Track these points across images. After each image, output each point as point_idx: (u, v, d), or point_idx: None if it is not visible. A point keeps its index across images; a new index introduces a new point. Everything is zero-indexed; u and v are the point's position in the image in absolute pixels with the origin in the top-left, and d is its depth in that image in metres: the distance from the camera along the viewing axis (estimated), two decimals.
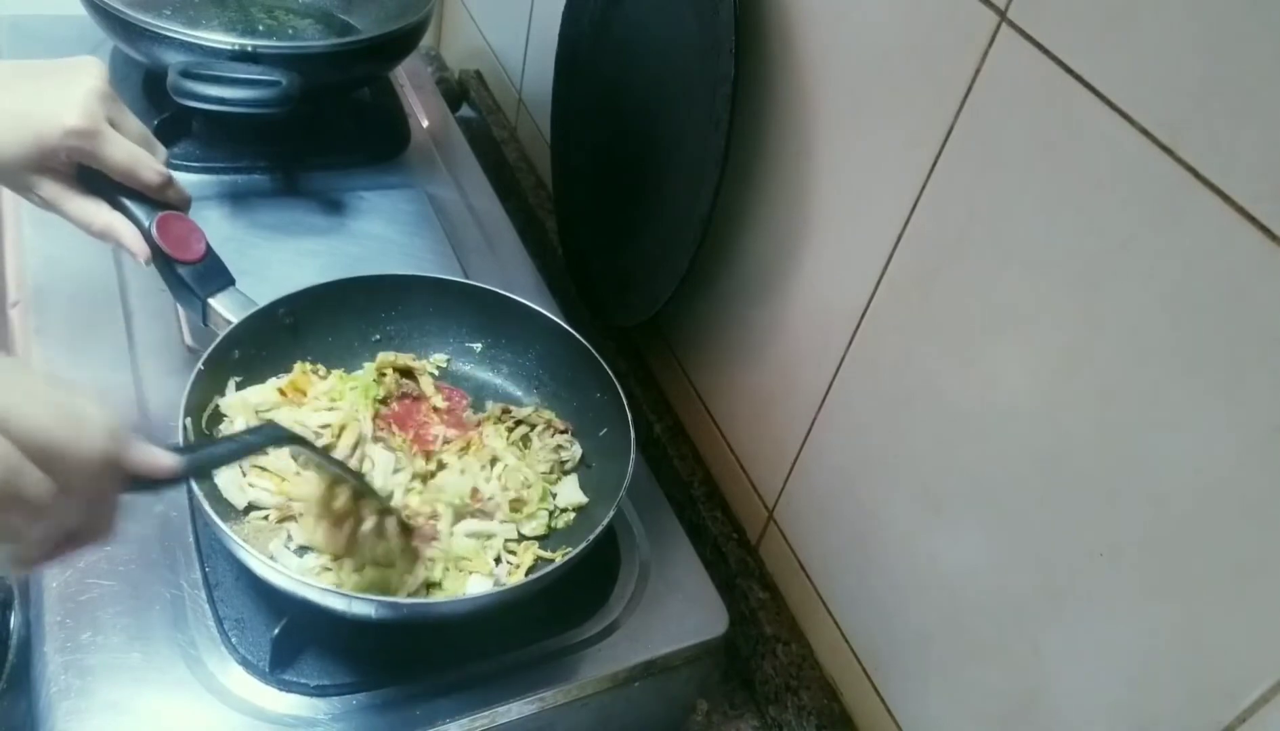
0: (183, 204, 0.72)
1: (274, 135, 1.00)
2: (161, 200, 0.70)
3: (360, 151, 1.06)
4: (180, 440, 0.64)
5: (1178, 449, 0.50)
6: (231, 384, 0.72)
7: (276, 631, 0.62)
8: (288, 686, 0.63)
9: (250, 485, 0.67)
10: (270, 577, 0.59)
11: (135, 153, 0.67)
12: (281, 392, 0.74)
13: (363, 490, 0.63)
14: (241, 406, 0.71)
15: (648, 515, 0.79)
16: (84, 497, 0.45)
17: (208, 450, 0.57)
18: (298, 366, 0.76)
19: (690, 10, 0.77)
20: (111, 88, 0.66)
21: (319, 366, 0.77)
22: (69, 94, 0.64)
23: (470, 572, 0.68)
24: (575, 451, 0.77)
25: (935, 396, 0.65)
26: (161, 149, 0.71)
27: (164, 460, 0.50)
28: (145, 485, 0.50)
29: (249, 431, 0.62)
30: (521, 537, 0.72)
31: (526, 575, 0.68)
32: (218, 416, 0.71)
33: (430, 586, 0.66)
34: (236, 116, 0.85)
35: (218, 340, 0.69)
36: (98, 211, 0.68)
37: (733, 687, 0.85)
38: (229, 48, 0.86)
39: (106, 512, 0.47)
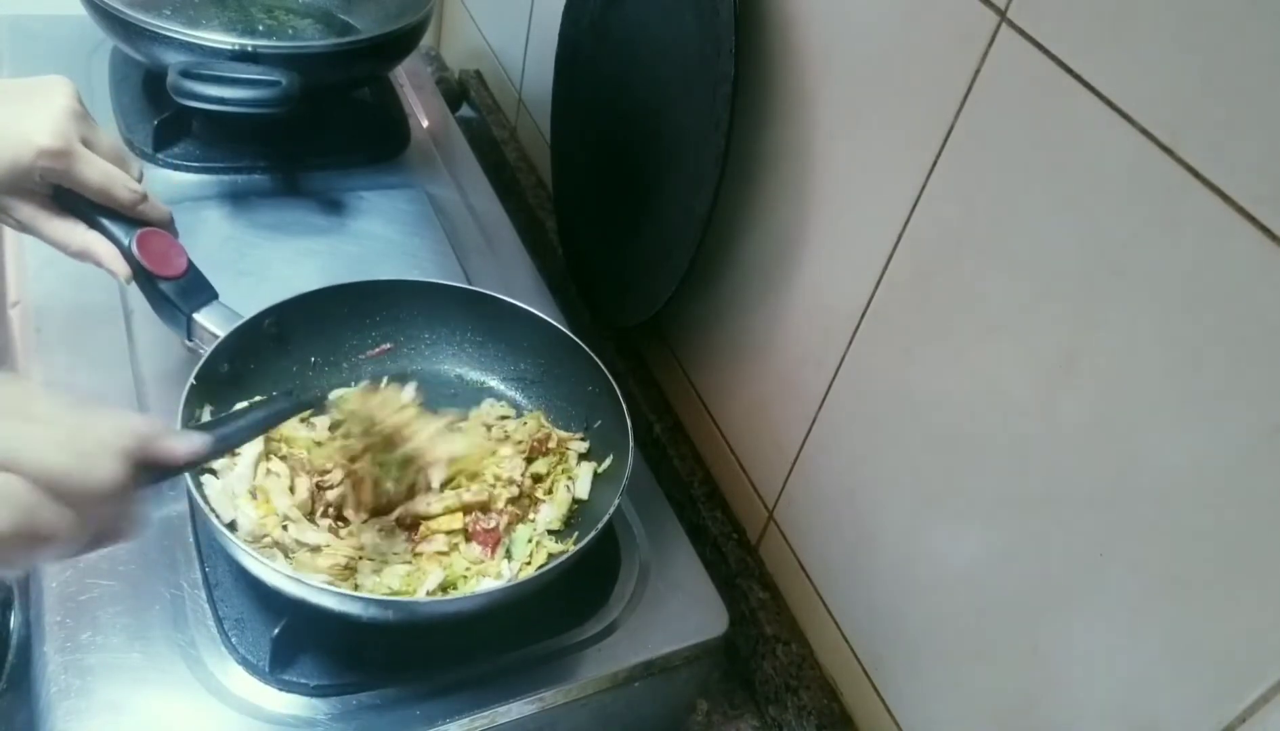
0: (161, 220, 0.71)
1: (274, 135, 1.00)
2: (138, 218, 0.69)
3: (360, 151, 1.06)
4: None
5: (1178, 449, 0.50)
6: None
7: (276, 631, 0.62)
8: (287, 686, 0.63)
9: (235, 507, 0.67)
10: (269, 578, 0.59)
11: (110, 172, 0.67)
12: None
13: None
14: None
15: (648, 515, 0.79)
16: (103, 514, 0.45)
17: (235, 425, 0.57)
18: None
19: (690, 10, 0.77)
20: (83, 106, 0.66)
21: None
22: (40, 115, 0.63)
23: (482, 575, 0.68)
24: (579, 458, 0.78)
25: (935, 396, 0.65)
26: (137, 165, 0.70)
27: (194, 442, 0.50)
28: (174, 470, 0.50)
29: (267, 400, 0.62)
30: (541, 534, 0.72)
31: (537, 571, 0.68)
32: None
33: (446, 588, 0.66)
34: (236, 116, 0.85)
35: (207, 354, 0.69)
36: (75, 232, 0.68)
37: (733, 687, 0.85)
38: (229, 48, 0.86)
39: (129, 515, 0.47)
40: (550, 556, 0.69)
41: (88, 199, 0.67)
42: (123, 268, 0.69)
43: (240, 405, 0.71)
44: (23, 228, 0.68)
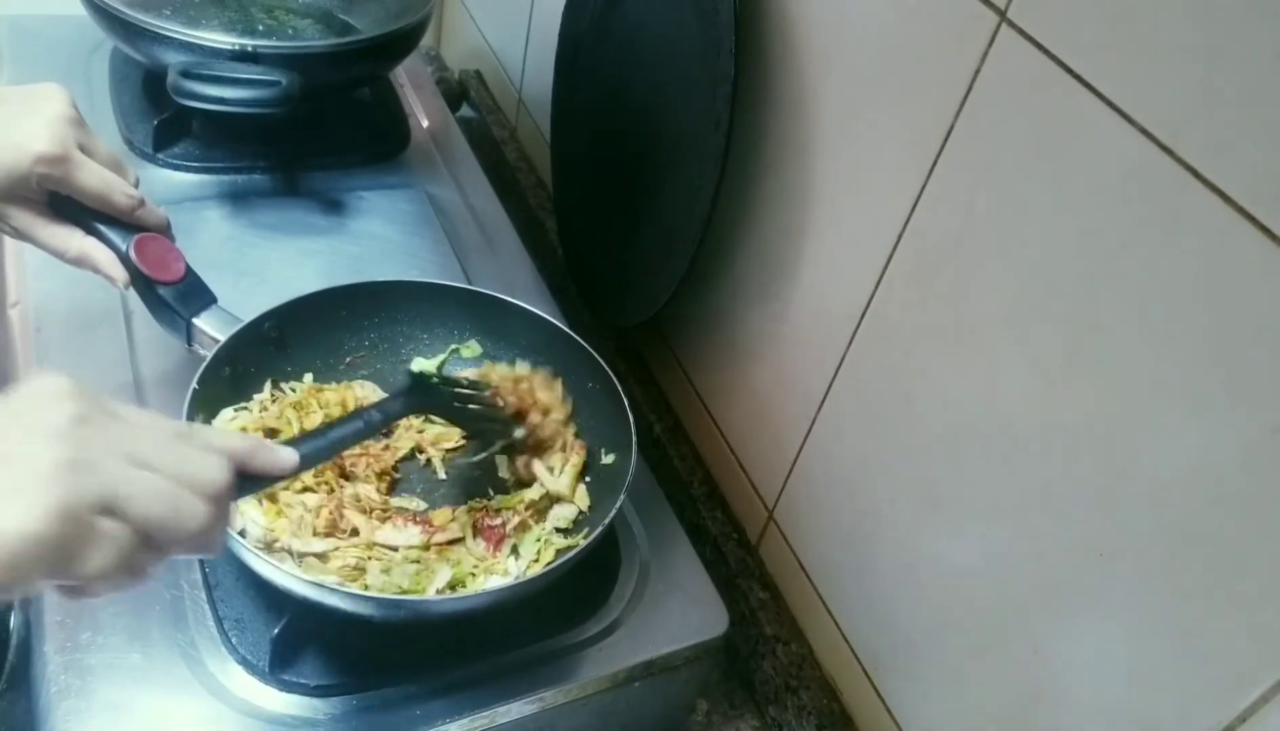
0: (158, 225, 0.71)
1: (274, 135, 1.00)
2: (135, 223, 0.69)
3: (360, 151, 1.06)
4: None
5: (1178, 449, 0.50)
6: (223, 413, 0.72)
7: (276, 631, 0.62)
8: (287, 686, 0.63)
9: (240, 513, 0.67)
10: (271, 576, 0.59)
11: (107, 178, 0.67)
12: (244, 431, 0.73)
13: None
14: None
15: (648, 515, 0.79)
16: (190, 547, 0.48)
17: (320, 441, 0.58)
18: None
19: (690, 10, 0.77)
20: (78, 112, 0.66)
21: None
22: (36, 121, 0.63)
23: (489, 573, 0.68)
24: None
25: (935, 396, 0.65)
26: (132, 171, 0.70)
27: (288, 458, 0.53)
28: (267, 484, 0.53)
29: (346, 418, 0.62)
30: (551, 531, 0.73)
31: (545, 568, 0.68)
32: None
33: (454, 585, 0.66)
34: (236, 116, 0.85)
35: (208, 359, 0.69)
36: (72, 238, 0.68)
37: (733, 687, 0.85)
38: (229, 48, 0.86)
39: (216, 538, 0.49)
40: (558, 553, 0.70)
41: (85, 205, 0.67)
42: (120, 273, 0.69)
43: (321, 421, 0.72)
44: (19, 235, 0.67)
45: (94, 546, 0.43)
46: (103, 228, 0.68)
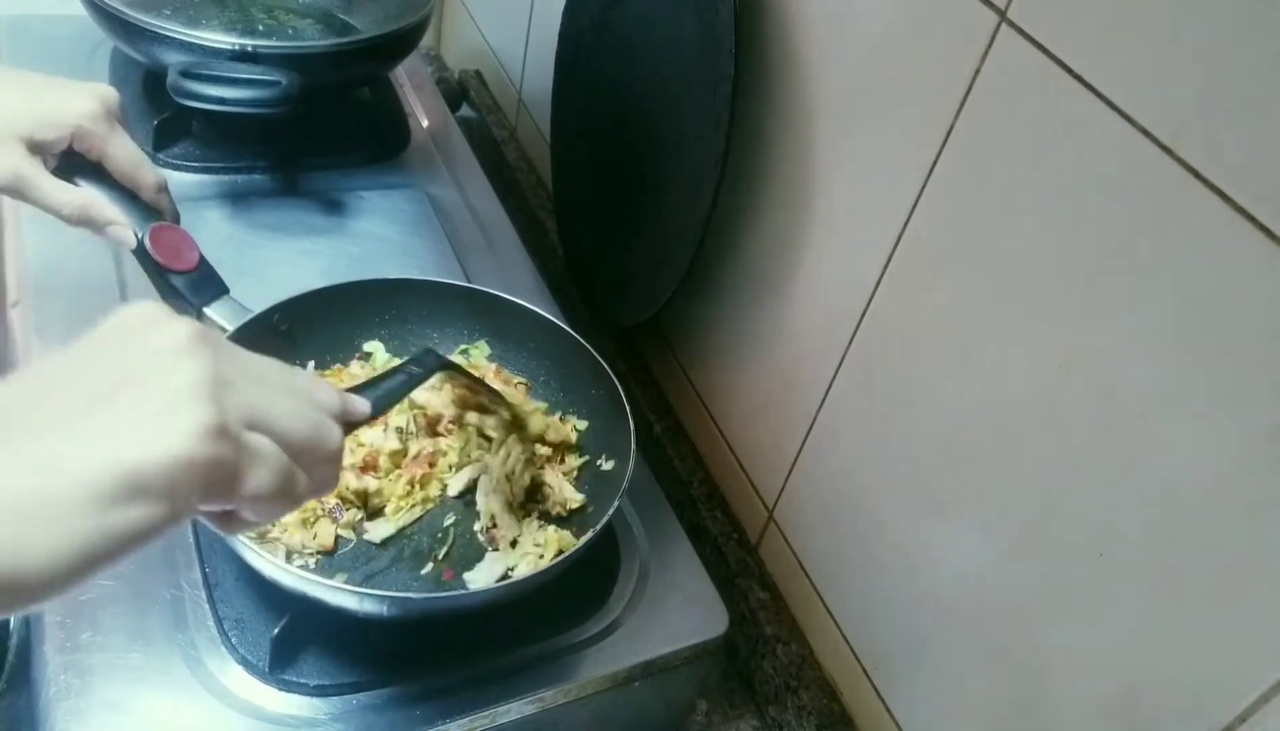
0: (173, 215, 0.72)
1: (274, 135, 1.00)
2: (155, 205, 0.70)
3: (360, 151, 1.06)
4: None
5: (1178, 449, 0.50)
6: None
7: (276, 631, 0.62)
8: (288, 686, 0.63)
9: None
10: (273, 574, 0.59)
11: (140, 154, 0.68)
12: None
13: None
14: None
15: (648, 515, 0.79)
16: (325, 472, 0.48)
17: (385, 385, 0.59)
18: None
19: (690, 10, 0.77)
20: (124, 106, 0.69)
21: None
22: (88, 90, 0.67)
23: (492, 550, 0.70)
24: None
25: (935, 396, 0.65)
26: (158, 172, 0.72)
27: (363, 406, 0.53)
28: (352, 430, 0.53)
29: (411, 361, 0.64)
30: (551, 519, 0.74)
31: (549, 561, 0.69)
32: None
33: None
34: (236, 116, 0.85)
35: None
36: (74, 193, 0.67)
37: (733, 687, 0.85)
38: (229, 48, 0.86)
39: (339, 467, 0.49)
40: (560, 550, 0.70)
41: (105, 181, 0.68)
42: (122, 220, 0.68)
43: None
44: (21, 187, 0.66)
45: (252, 461, 0.41)
46: (120, 209, 0.69)
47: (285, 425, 0.43)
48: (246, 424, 0.41)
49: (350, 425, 0.51)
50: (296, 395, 0.45)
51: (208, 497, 0.40)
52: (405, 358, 0.81)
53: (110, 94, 0.67)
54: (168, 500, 0.38)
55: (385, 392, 0.58)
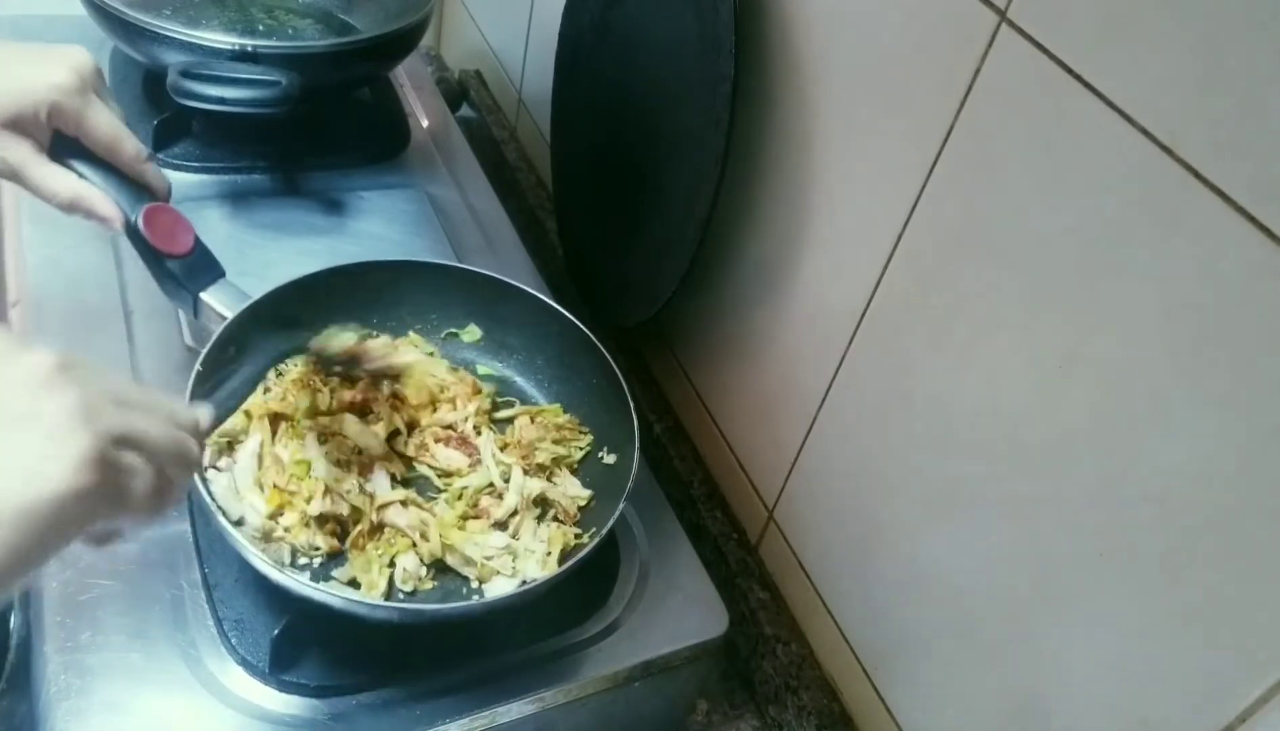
0: (162, 189, 0.69)
1: (274, 135, 1.00)
2: (140, 180, 0.67)
3: (360, 151, 1.06)
4: None
5: (1178, 449, 0.50)
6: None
7: (276, 632, 0.62)
8: (288, 687, 0.63)
9: (242, 502, 0.67)
10: (272, 576, 0.59)
11: (119, 125, 0.65)
12: (247, 415, 0.72)
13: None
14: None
15: (648, 515, 0.79)
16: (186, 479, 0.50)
17: (227, 387, 0.60)
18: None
19: (690, 10, 0.77)
20: (100, 71, 0.65)
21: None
22: (59, 58, 0.63)
23: (497, 573, 0.69)
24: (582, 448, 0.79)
25: (935, 396, 0.65)
26: (139, 142, 0.69)
27: (204, 416, 0.54)
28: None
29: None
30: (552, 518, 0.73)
31: (560, 563, 0.68)
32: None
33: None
34: (236, 116, 0.85)
35: (212, 339, 0.68)
36: (66, 179, 0.65)
37: (733, 687, 0.85)
38: (229, 48, 0.86)
39: (195, 475, 0.52)
40: (564, 546, 0.70)
41: (89, 159, 0.65)
42: (116, 213, 0.66)
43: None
44: (12, 173, 0.65)
45: (130, 479, 0.43)
46: (109, 189, 0.66)
47: (152, 441, 0.45)
48: (117, 444, 0.43)
49: (208, 433, 0.54)
50: (155, 412, 0.47)
51: (94, 518, 0.42)
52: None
53: (83, 61, 0.64)
54: (59, 528, 0.40)
55: (227, 395, 0.60)
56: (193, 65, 0.84)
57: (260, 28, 1.04)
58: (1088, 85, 0.52)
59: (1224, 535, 0.48)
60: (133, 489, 0.44)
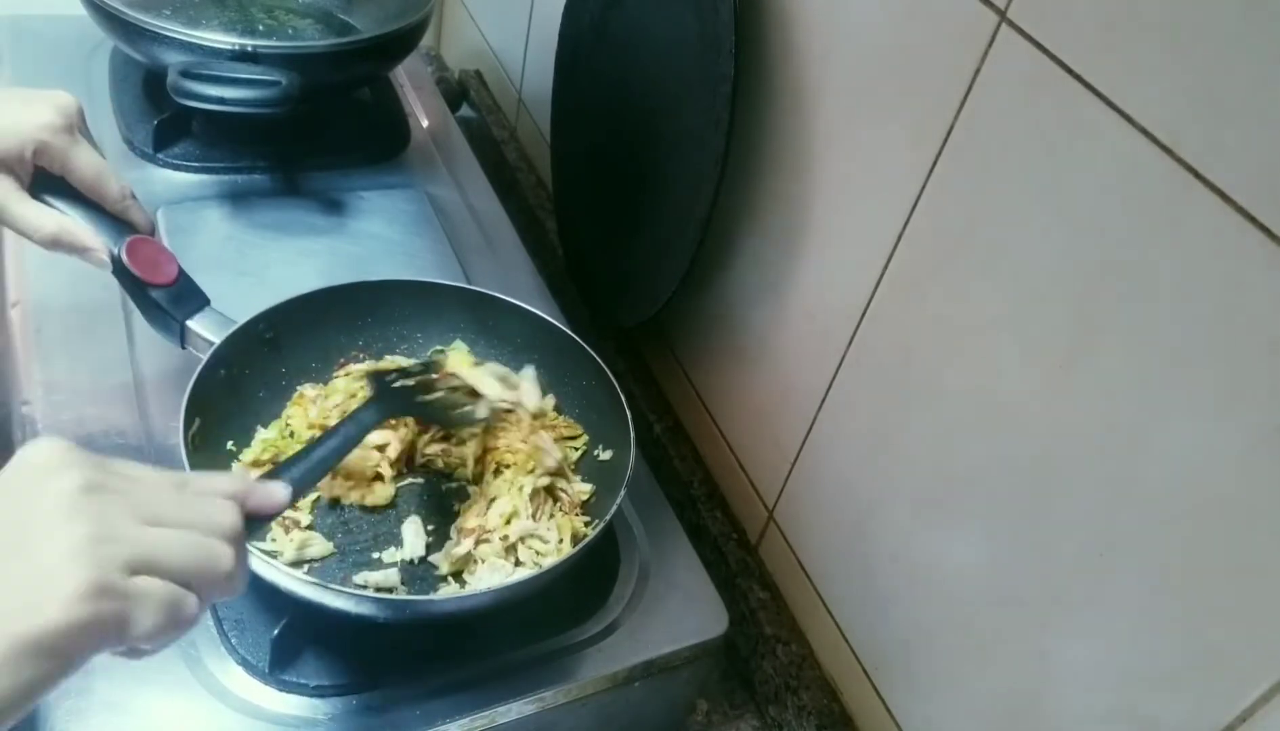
0: (145, 225, 0.70)
1: (274, 135, 1.00)
2: (124, 217, 0.68)
3: (360, 151, 1.06)
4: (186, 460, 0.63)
5: (1177, 449, 0.50)
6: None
7: (276, 632, 0.62)
8: (287, 687, 0.63)
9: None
10: (271, 576, 0.59)
11: (102, 164, 0.67)
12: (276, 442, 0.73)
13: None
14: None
15: (648, 515, 0.79)
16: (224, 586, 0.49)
17: (310, 459, 0.57)
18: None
19: (690, 10, 0.77)
20: (83, 115, 0.67)
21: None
22: (45, 99, 0.65)
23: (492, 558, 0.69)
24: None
25: (935, 396, 0.65)
26: (122, 179, 0.70)
27: (278, 494, 0.53)
28: (268, 521, 0.53)
29: (332, 431, 0.62)
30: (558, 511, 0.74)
31: (574, 546, 0.69)
32: (208, 435, 0.70)
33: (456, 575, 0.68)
34: (236, 116, 0.85)
35: (203, 362, 0.68)
36: (48, 216, 0.66)
37: (733, 687, 0.85)
38: (229, 48, 0.86)
39: (242, 578, 0.49)
40: (576, 535, 0.70)
41: (73, 198, 0.66)
42: (100, 245, 0.67)
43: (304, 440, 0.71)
44: None
45: (139, 608, 0.42)
46: (92, 224, 0.67)
47: (172, 561, 0.44)
48: (131, 571, 0.42)
49: (274, 514, 0.53)
50: (186, 524, 0.46)
51: (101, 647, 0.42)
52: (416, 360, 0.81)
53: (69, 102, 0.66)
54: (61, 658, 0.40)
55: (311, 467, 0.57)
56: (193, 65, 0.84)
57: (260, 28, 1.04)
58: (1088, 85, 0.52)
59: (1224, 534, 0.48)
60: (139, 616, 0.42)
